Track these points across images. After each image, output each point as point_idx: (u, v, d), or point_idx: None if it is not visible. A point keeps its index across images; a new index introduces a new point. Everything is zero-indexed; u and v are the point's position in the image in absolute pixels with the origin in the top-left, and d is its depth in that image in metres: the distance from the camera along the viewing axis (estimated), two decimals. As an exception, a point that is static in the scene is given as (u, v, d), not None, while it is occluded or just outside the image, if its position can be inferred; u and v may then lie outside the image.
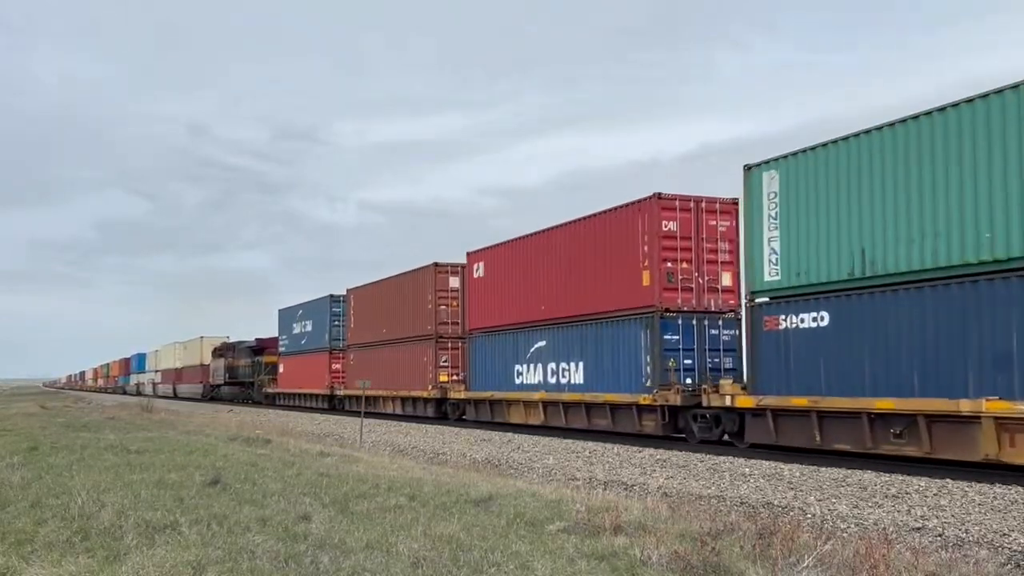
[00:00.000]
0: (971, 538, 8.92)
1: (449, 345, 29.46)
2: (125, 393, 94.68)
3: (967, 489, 11.51)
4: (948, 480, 12.22)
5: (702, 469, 14.51)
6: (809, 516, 10.38)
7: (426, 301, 29.85)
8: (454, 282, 29.28)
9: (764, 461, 15.01)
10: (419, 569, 5.89)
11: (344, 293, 38.30)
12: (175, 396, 73.88)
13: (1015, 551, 8.38)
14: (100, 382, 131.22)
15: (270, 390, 48.10)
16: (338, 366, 38.47)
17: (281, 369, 47.00)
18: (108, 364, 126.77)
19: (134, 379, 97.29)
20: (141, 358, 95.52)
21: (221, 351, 59.54)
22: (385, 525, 7.45)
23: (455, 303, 29.36)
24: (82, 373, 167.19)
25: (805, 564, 5.97)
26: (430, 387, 29.31)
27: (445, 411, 29.37)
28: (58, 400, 52.77)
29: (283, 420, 32.05)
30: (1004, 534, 8.99)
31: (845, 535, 8.58)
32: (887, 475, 12.96)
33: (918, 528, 9.48)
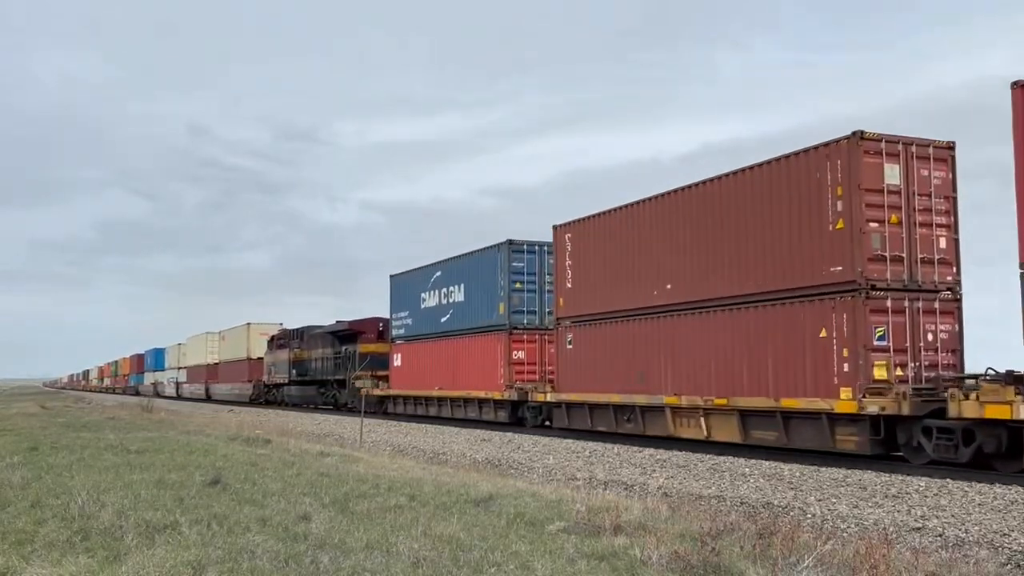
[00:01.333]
0: (971, 538, 8.92)
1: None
2: (139, 394, 79.94)
3: (967, 489, 11.51)
4: (948, 480, 12.22)
5: (702, 469, 14.51)
6: (809, 516, 10.38)
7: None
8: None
9: (764, 461, 15.01)
10: (419, 569, 5.88)
11: (526, 242, 26.01)
12: (208, 398, 61.41)
13: (1015, 551, 8.38)
14: (107, 382, 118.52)
15: (378, 392, 34.01)
16: (522, 354, 25.56)
17: (398, 362, 32.59)
18: (117, 362, 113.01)
19: (150, 378, 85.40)
20: (158, 354, 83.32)
21: (282, 339, 46.11)
22: (385, 525, 7.45)
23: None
24: (86, 372, 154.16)
25: (805, 564, 5.97)
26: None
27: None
28: (58, 400, 52.74)
29: (283, 420, 32.05)
30: (1004, 534, 8.99)
31: (845, 535, 8.58)
32: (887, 475, 12.96)
33: (918, 528, 9.48)
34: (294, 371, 43.40)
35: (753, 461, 15.03)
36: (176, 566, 5.86)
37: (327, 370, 39.38)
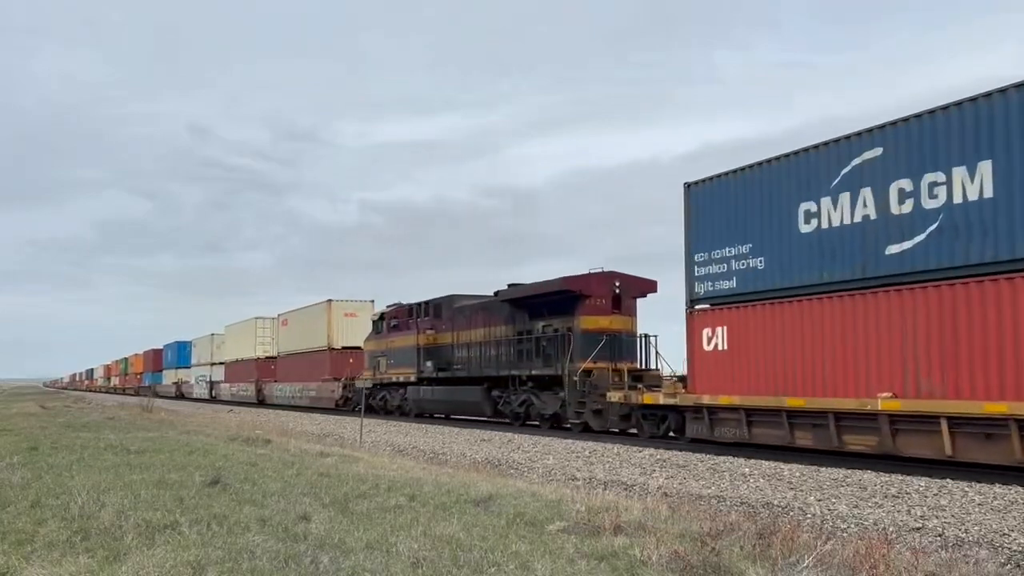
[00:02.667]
0: (971, 538, 8.92)
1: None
2: (157, 396, 66.28)
3: (967, 489, 11.51)
4: (948, 480, 12.23)
5: (702, 469, 14.51)
6: (809, 516, 10.38)
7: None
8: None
9: (764, 461, 15.01)
10: (419, 569, 5.89)
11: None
12: (261, 402, 48.82)
13: (1015, 551, 8.38)
14: (115, 381, 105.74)
15: (658, 399, 18.78)
16: None
17: (717, 342, 17.14)
18: (127, 359, 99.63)
19: (170, 376, 73.43)
20: (182, 348, 71.37)
21: (397, 318, 32.01)
22: (385, 525, 7.45)
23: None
24: (90, 371, 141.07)
25: (805, 564, 5.97)
26: None
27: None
28: (58, 400, 52.73)
29: (283, 420, 32.05)
30: (1004, 534, 8.99)
31: (845, 535, 8.59)
32: (887, 475, 12.96)
33: (918, 528, 9.48)
34: (428, 363, 29.20)
35: (753, 461, 15.03)
36: (176, 566, 5.86)
37: (505, 359, 24.87)
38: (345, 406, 37.17)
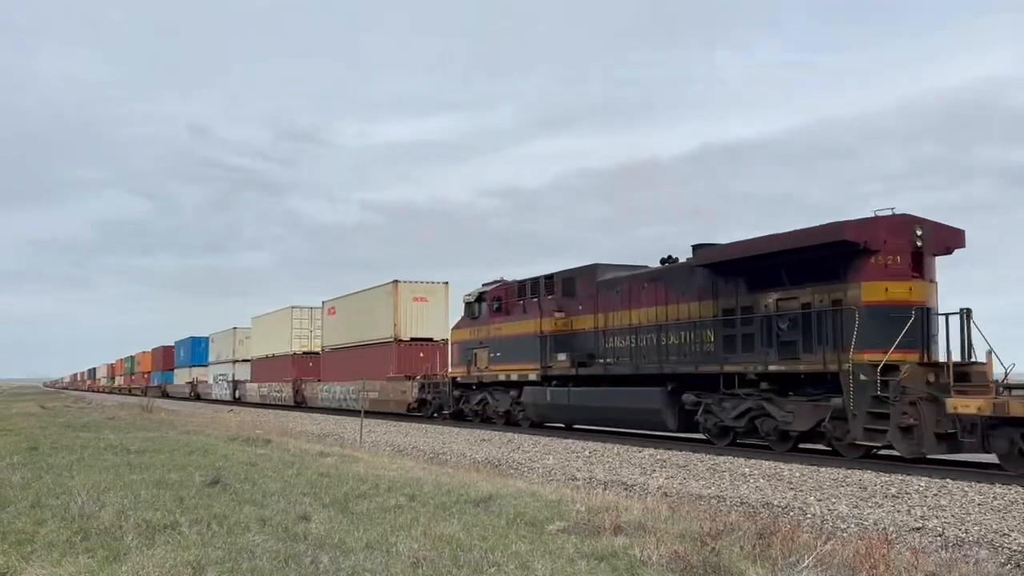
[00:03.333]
0: (971, 538, 8.92)
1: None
2: (167, 396, 66.61)
3: (967, 489, 11.51)
4: (948, 480, 12.22)
5: (702, 469, 14.51)
6: (809, 516, 10.38)
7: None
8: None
9: (764, 461, 15.00)
10: (419, 569, 5.88)
11: None
12: (300, 404, 41.91)
13: (1015, 551, 8.38)
14: (120, 381, 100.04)
15: None
16: None
17: None
18: (133, 357, 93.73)
19: (183, 375, 67.54)
20: (196, 344, 64.73)
21: (500, 298, 25.03)
22: (385, 525, 7.44)
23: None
24: (92, 371, 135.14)
25: (805, 564, 5.97)
26: None
27: None
28: (58, 400, 52.70)
29: (283, 420, 32.04)
30: (1004, 534, 8.99)
31: (845, 535, 8.59)
32: (887, 475, 12.95)
33: (918, 528, 9.48)
34: (561, 356, 21.61)
35: (753, 461, 15.02)
36: (176, 566, 5.86)
37: (703, 350, 17.60)
38: (420, 411, 29.83)
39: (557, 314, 22.47)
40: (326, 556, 6.20)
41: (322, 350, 41.44)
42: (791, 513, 10.47)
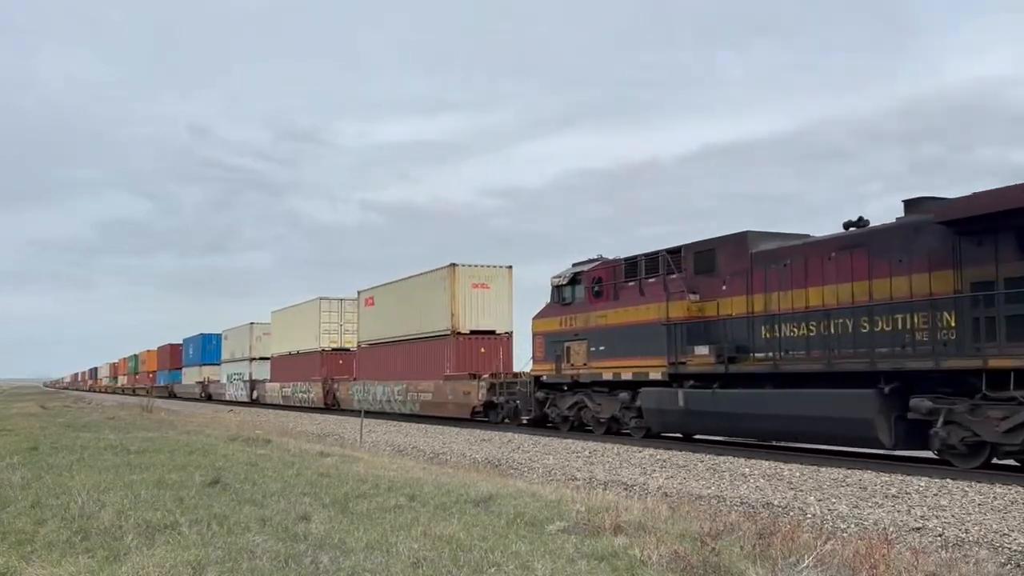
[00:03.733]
0: (971, 538, 8.91)
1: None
2: (174, 396, 65.03)
3: (967, 489, 11.50)
4: (948, 480, 12.22)
5: (702, 469, 14.51)
6: (809, 516, 10.38)
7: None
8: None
9: (764, 461, 15.00)
10: (419, 569, 5.88)
11: None
12: (331, 406, 37.90)
13: (1015, 551, 8.37)
14: (123, 380, 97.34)
15: None
16: None
17: None
18: (137, 356, 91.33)
19: (193, 375, 64.34)
20: (207, 342, 61.74)
21: (634, 273, 19.72)
22: (385, 525, 7.44)
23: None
24: (94, 370, 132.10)
25: (805, 564, 5.97)
26: None
27: None
28: (59, 400, 52.70)
29: (283, 420, 32.04)
30: (1004, 534, 8.98)
31: (845, 535, 8.58)
32: (887, 475, 12.95)
33: (918, 528, 9.48)
34: (701, 349, 17.35)
35: (753, 461, 15.02)
36: (176, 566, 5.86)
37: (932, 337, 13.25)
38: (486, 416, 25.95)
39: (690, 297, 18.07)
40: (326, 556, 6.20)
41: (357, 346, 36.82)
42: (791, 513, 10.47)
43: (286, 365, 45.09)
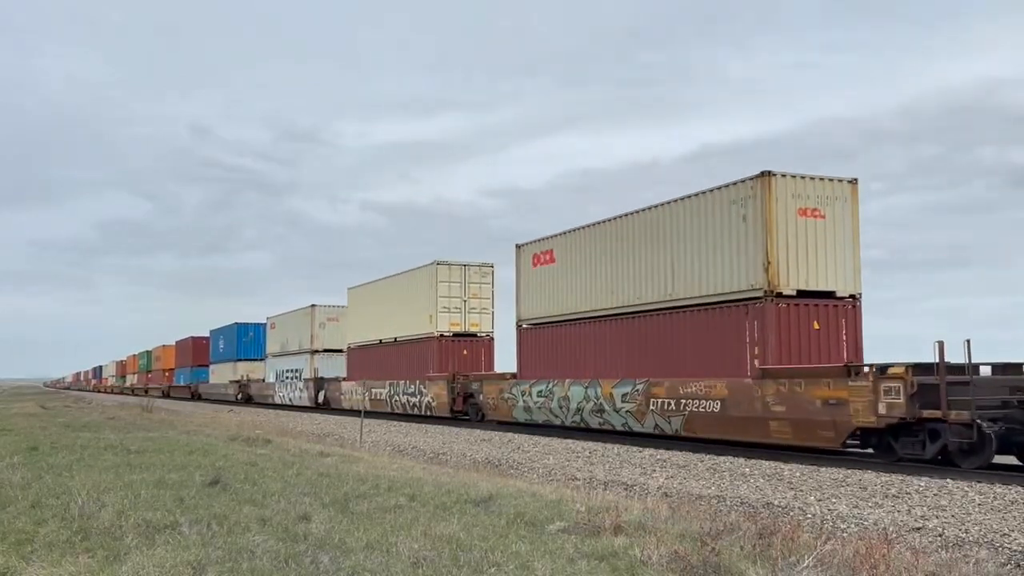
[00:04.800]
0: (971, 538, 8.91)
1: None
2: (198, 398, 56.51)
3: (967, 489, 11.50)
4: (948, 480, 12.22)
5: (702, 469, 14.50)
6: (809, 516, 10.38)
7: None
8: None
9: (764, 461, 15.00)
10: (419, 569, 5.88)
11: None
12: (460, 413, 27.34)
13: (1015, 551, 8.37)
14: (134, 380, 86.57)
15: None
16: None
17: None
18: (149, 352, 79.89)
19: (226, 373, 53.52)
20: (243, 333, 51.92)
21: None
22: (385, 525, 7.44)
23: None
24: (98, 369, 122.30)
25: (805, 564, 5.97)
26: None
27: None
28: (59, 400, 52.67)
29: (283, 420, 32.03)
30: (1004, 534, 8.99)
31: (845, 535, 8.58)
32: (887, 475, 12.95)
33: (918, 528, 9.48)
34: None
35: (753, 461, 15.01)
36: (176, 566, 5.85)
37: None
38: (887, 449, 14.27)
39: None
40: (326, 556, 6.20)
41: (521, 325, 24.42)
42: (791, 513, 10.47)
43: (372, 358, 34.42)
